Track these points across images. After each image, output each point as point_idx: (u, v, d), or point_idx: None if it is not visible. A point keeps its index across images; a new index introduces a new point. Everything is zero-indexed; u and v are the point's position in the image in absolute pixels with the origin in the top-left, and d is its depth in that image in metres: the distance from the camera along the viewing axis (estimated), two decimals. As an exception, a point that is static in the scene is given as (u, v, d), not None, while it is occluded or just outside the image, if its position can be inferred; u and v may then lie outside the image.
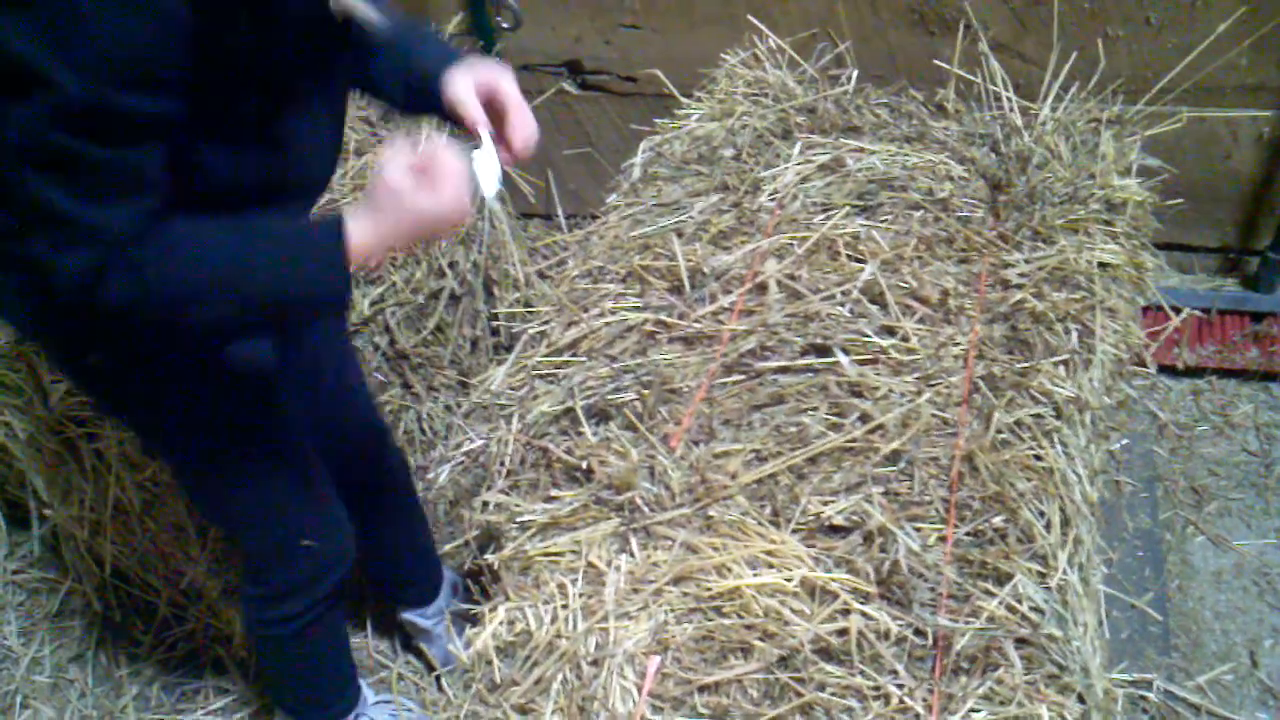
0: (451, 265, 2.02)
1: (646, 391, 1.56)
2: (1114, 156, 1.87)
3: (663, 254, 1.78)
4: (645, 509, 1.46)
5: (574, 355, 1.67)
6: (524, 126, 1.40)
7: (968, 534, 1.40)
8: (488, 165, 1.33)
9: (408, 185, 1.23)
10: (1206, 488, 2.18)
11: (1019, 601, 1.32)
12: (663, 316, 1.68)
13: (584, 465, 1.51)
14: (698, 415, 1.55)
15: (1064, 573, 1.37)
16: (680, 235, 1.81)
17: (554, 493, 1.52)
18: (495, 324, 2.16)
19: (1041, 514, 1.42)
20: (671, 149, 2.01)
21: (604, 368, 1.62)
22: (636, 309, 1.71)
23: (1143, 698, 1.80)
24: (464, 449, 1.70)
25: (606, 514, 1.47)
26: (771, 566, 1.36)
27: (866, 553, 1.37)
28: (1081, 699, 1.27)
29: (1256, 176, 2.27)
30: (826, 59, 2.10)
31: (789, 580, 1.34)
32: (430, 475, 2.08)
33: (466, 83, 1.39)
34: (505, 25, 2.29)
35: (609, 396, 1.58)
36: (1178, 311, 1.99)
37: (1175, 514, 2.13)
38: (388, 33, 1.33)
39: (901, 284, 1.68)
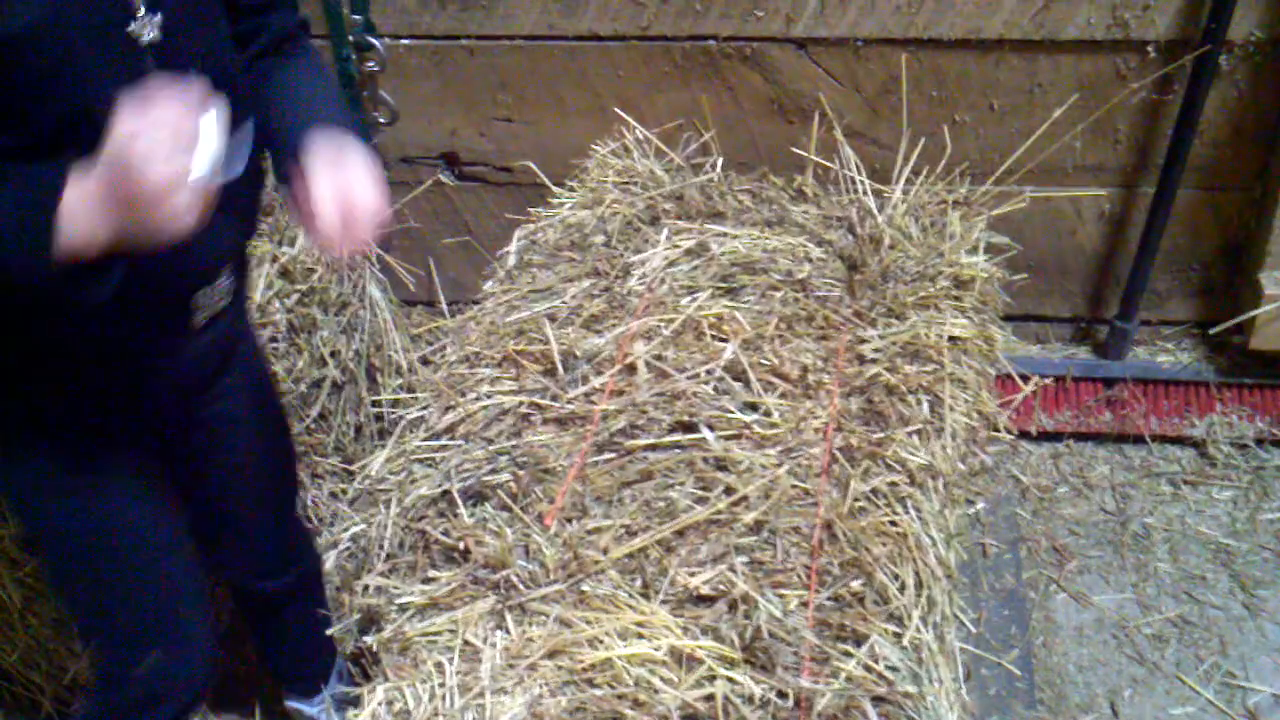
0: (334, 354, 2.06)
1: (520, 472, 1.61)
2: (961, 235, 1.99)
3: (537, 338, 1.84)
4: (520, 586, 1.50)
5: (451, 439, 1.72)
6: (359, 195, 1.35)
7: (828, 599, 1.47)
8: (209, 142, 1.20)
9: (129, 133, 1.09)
10: (1067, 546, 2.29)
11: (875, 661, 1.39)
12: (537, 399, 1.74)
13: (460, 546, 1.55)
14: (570, 493, 1.61)
15: (918, 631, 1.44)
16: (554, 320, 1.88)
17: (431, 574, 1.55)
18: (378, 410, 2.19)
19: (896, 577, 1.50)
20: (545, 237, 2.09)
21: (479, 450, 1.67)
22: (511, 393, 1.76)
23: (1011, 752, 1.88)
24: (349, 533, 1.72)
25: (483, 592, 1.50)
26: (641, 637, 1.41)
27: (731, 620, 1.43)
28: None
29: (1101, 250, 2.42)
30: (692, 148, 2.21)
31: (658, 649, 1.39)
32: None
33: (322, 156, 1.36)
34: (382, 120, 2.35)
35: (484, 478, 1.63)
36: (1027, 380, 2.10)
37: (1039, 573, 2.23)
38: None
39: (763, 361, 1.76)
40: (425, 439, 1.73)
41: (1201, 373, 2.43)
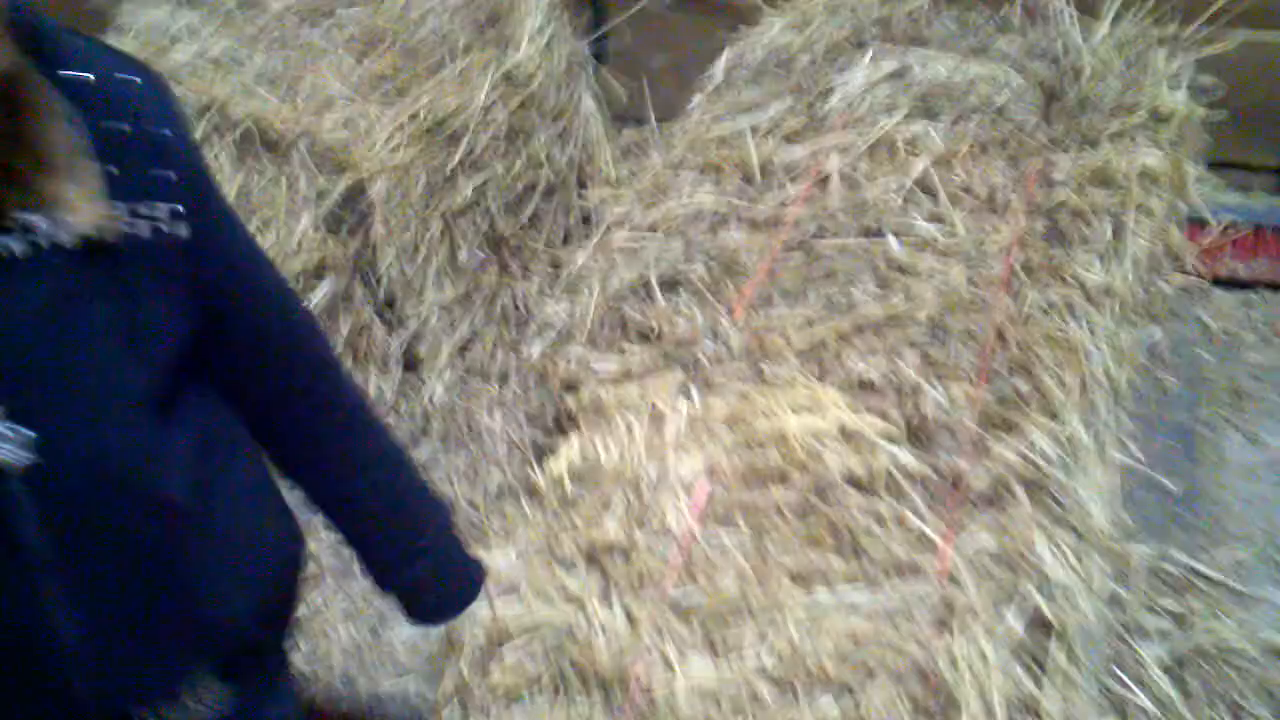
0: (548, 158, 2.23)
1: (713, 264, 1.76)
2: (1164, 71, 1.99)
3: (737, 148, 1.96)
4: (706, 364, 1.66)
5: (651, 234, 1.87)
6: None
7: (992, 395, 1.58)
8: None
9: None
10: (1247, 390, 2.31)
11: (1030, 450, 1.49)
12: (733, 200, 1.87)
13: (654, 326, 1.72)
14: (759, 287, 1.74)
15: (1076, 429, 1.54)
16: (755, 132, 1.99)
17: (626, 348, 1.73)
18: (586, 214, 2.35)
19: (1062, 382, 1.59)
20: (753, 55, 2.19)
21: (677, 243, 1.82)
22: (710, 195, 1.90)
23: (1165, 570, 1.96)
24: (554, 311, 1.91)
25: (672, 367, 1.67)
26: (812, 412, 1.55)
27: (899, 404, 1.56)
28: (1079, 535, 1.45)
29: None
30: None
31: (826, 423, 1.53)
32: (524, 349, 2.31)
33: None
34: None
35: (680, 268, 1.78)
36: (1221, 225, 2.11)
37: (1215, 411, 2.27)
38: None
39: (952, 178, 1.84)
40: (628, 233, 1.89)
41: None
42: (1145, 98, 1.95)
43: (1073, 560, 1.39)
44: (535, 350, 2.40)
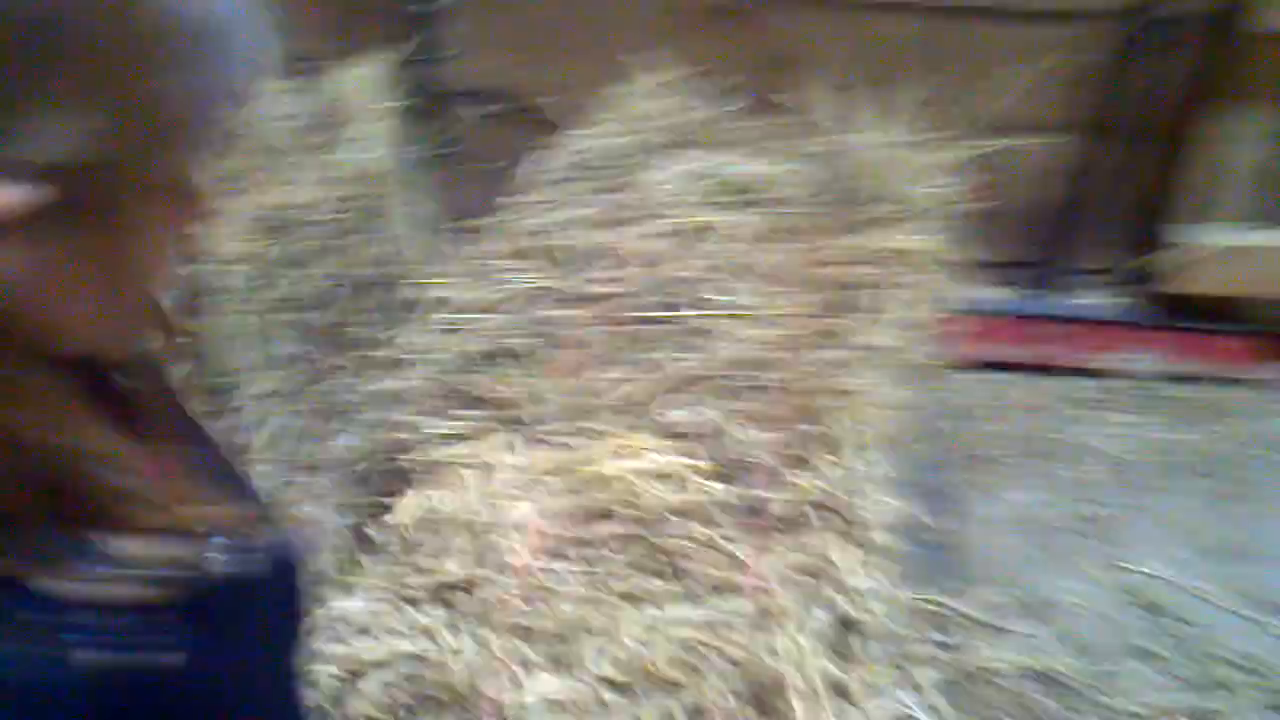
0: (370, 254, 2.37)
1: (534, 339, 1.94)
2: (923, 168, 2.33)
3: (549, 238, 2.16)
4: (530, 423, 1.82)
5: (473, 314, 2.04)
6: None
7: (784, 437, 1.80)
8: None
9: None
10: (984, 455, 2.64)
11: (820, 479, 1.72)
12: (547, 281, 2.06)
13: (480, 394, 1.87)
14: (574, 355, 1.93)
15: (854, 463, 1.77)
16: (564, 224, 2.20)
17: (455, 414, 1.87)
18: (408, 304, 2.49)
19: (843, 425, 1.83)
20: (563, 159, 2.41)
21: (498, 320, 1.99)
22: (526, 278, 2.08)
23: (928, 609, 2.22)
24: (381, 388, 2.03)
25: (498, 428, 1.83)
26: (630, 458, 1.73)
27: (706, 447, 1.76)
28: (866, 550, 1.67)
29: (1035, 200, 2.76)
30: (697, 89, 2.55)
31: (644, 466, 1.71)
32: (340, 439, 2.41)
33: None
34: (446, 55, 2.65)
35: (502, 341, 1.95)
36: (963, 315, 2.45)
37: (958, 474, 2.58)
38: None
39: (741, 259, 2.10)
40: (452, 313, 2.05)
41: (1111, 312, 2.77)
42: (906, 191, 2.27)
43: (864, 569, 1.61)
44: (352, 440, 2.50)
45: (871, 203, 2.26)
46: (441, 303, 2.08)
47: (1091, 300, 2.84)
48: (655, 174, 2.32)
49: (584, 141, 2.46)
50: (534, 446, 1.77)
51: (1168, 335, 2.74)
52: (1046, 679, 2.17)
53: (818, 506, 1.68)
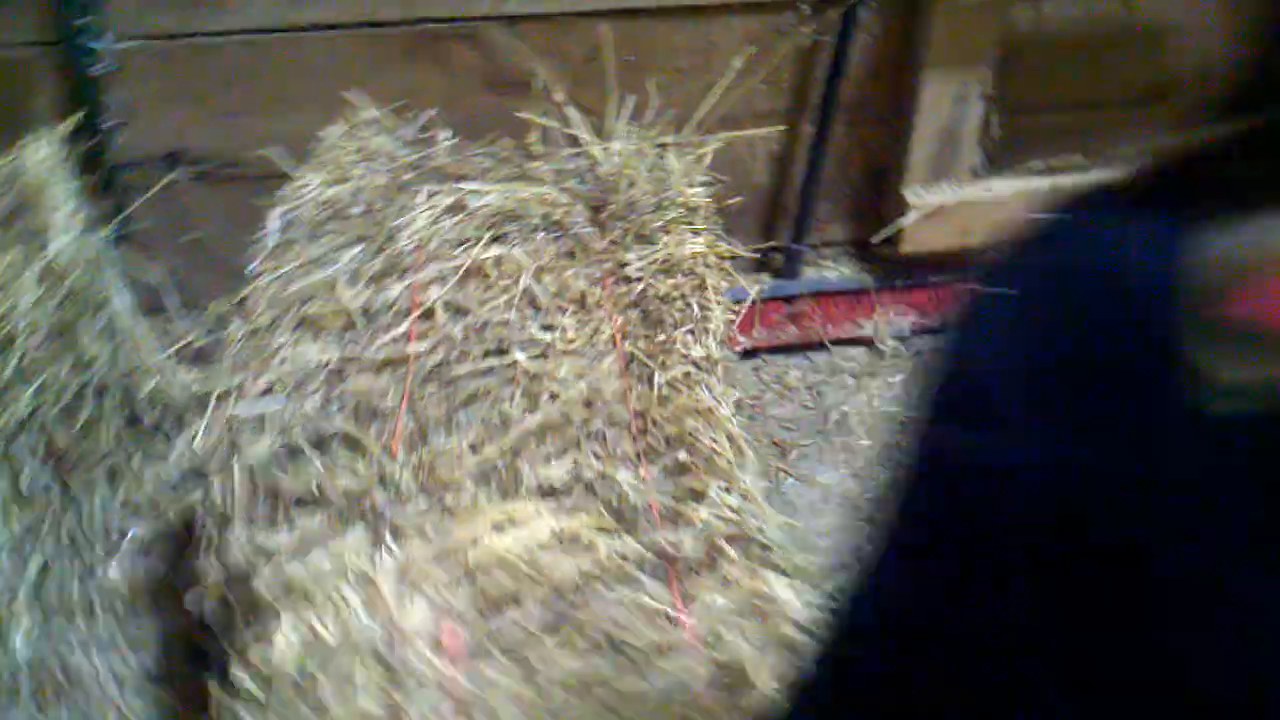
0: (96, 355, 2.02)
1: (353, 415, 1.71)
2: (680, 170, 2.26)
3: (327, 300, 1.92)
4: (387, 512, 1.60)
5: (271, 399, 1.77)
6: None
7: (661, 470, 1.69)
8: None
9: None
10: (785, 440, 2.64)
11: (720, 508, 1.62)
12: (345, 349, 1.83)
13: (315, 488, 1.63)
14: (407, 424, 1.72)
15: (744, 483, 1.69)
16: (337, 282, 1.97)
17: (291, 518, 1.62)
18: (144, 413, 2.15)
19: (715, 442, 1.74)
20: (303, 214, 2.15)
21: (306, 404, 1.75)
22: (317, 348, 1.84)
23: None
24: (187, 503, 1.73)
25: (353, 524, 1.59)
26: (518, 527, 1.56)
27: (591, 499, 1.61)
28: (786, 573, 1.59)
29: (774, 186, 2.78)
30: (418, 124, 2.35)
31: (538, 534, 1.55)
32: (100, 573, 2.05)
33: None
34: (111, 124, 2.29)
35: (317, 425, 1.71)
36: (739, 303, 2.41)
37: (767, 465, 2.56)
38: None
39: (547, 290, 1.95)
40: (243, 404, 1.77)
41: (863, 282, 2.85)
42: (673, 195, 2.20)
43: (799, 597, 1.53)
44: (114, 570, 2.15)
45: (649, 212, 2.17)
46: (225, 394, 1.80)
47: (844, 272, 2.91)
48: (417, 216, 2.12)
49: (323, 191, 2.22)
50: (403, 538, 1.56)
51: (916, 293, 2.85)
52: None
53: (730, 539, 1.58)
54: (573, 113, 2.31)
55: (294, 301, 1.94)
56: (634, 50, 2.46)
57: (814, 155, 2.68)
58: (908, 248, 2.75)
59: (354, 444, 1.69)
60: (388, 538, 1.56)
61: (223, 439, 1.73)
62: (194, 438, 1.74)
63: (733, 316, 2.07)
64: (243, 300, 1.99)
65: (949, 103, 2.62)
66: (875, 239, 2.77)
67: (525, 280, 1.93)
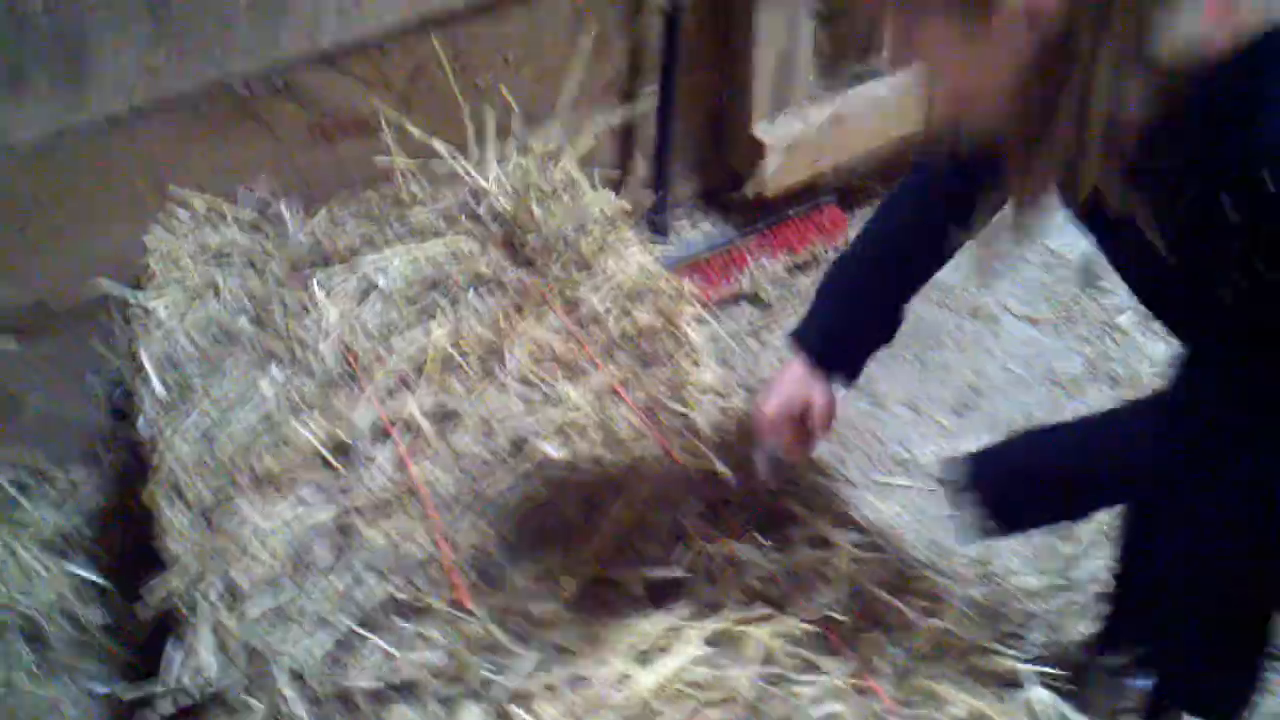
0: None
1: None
2: (582, 183, 2.01)
3: (285, 443, 1.59)
4: (496, 679, 1.33)
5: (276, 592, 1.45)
6: None
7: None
8: None
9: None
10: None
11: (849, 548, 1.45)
12: (348, 503, 1.52)
13: (398, 674, 1.35)
14: (460, 566, 1.45)
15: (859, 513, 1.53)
16: (277, 421, 1.63)
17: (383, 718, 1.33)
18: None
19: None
20: (178, 346, 1.77)
21: (336, 579, 1.44)
22: (319, 506, 1.52)
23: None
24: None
25: (461, 707, 1.32)
26: (665, 651, 1.33)
27: (719, 585, 1.41)
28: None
29: (625, 158, 2.58)
30: (255, 200, 1.99)
31: (683, 646, 1.33)
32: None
33: None
34: None
35: (357, 600, 1.41)
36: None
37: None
38: None
39: (530, 356, 1.70)
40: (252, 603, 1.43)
41: (727, 235, 2.70)
42: (589, 209, 1.96)
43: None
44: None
45: (576, 231, 1.94)
46: (219, 600, 1.46)
47: (707, 229, 2.76)
48: (327, 312, 1.79)
49: (190, 311, 1.84)
50: (531, 702, 1.30)
51: (781, 233, 2.73)
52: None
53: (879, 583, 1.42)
54: (441, 145, 2.01)
55: (239, 450, 1.59)
56: (459, 56, 2.17)
57: (662, 116, 2.50)
58: (771, 189, 2.62)
59: (412, 609, 1.41)
60: (514, 710, 1.30)
61: (238, 654, 1.40)
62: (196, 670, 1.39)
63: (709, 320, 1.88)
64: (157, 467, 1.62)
65: (784, 29, 2.49)
66: (747, 190, 2.61)
67: (514, 359, 1.67)
